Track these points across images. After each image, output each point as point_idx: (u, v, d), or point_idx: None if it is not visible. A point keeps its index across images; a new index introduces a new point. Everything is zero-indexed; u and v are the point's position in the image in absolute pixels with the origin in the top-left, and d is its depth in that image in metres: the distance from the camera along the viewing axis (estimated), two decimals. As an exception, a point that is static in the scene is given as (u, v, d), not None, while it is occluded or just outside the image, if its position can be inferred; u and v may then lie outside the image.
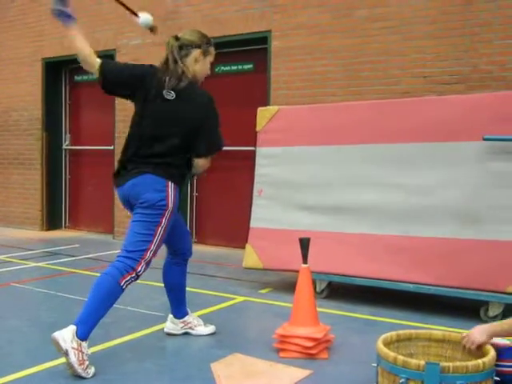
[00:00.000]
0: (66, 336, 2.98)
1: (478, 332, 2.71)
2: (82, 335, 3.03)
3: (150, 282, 5.07)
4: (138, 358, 3.43)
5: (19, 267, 6.20)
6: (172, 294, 3.81)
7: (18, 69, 9.62)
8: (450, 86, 5.81)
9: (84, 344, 3.03)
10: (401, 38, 6.12)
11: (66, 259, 6.61)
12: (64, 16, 3.28)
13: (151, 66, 3.43)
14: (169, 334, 3.84)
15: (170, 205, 3.28)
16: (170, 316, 3.86)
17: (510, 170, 4.16)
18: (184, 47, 3.43)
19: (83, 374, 3.01)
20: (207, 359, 3.36)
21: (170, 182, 3.30)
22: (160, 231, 3.26)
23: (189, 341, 3.75)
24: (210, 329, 3.89)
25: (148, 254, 3.22)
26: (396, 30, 6.15)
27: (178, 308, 3.83)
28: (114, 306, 4.29)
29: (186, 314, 3.86)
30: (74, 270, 5.98)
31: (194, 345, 3.67)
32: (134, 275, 3.19)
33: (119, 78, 3.35)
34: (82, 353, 3.01)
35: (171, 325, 3.85)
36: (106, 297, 3.14)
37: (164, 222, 3.27)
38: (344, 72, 6.46)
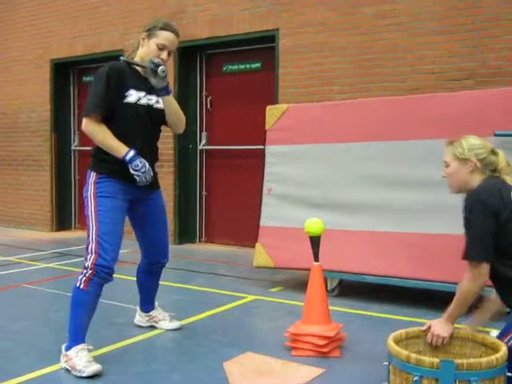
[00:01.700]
0: (61, 357, 3.24)
1: (438, 327, 2.74)
2: (67, 347, 3.20)
3: (161, 282, 5.06)
4: (149, 357, 3.44)
5: (30, 268, 6.22)
6: (142, 293, 3.94)
7: (26, 70, 9.64)
8: (459, 82, 5.78)
9: (71, 352, 3.16)
10: (409, 34, 6.09)
11: (76, 260, 6.62)
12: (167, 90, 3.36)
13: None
14: (135, 325, 4.00)
15: (89, 192, 3.28)
16: (138, 309, 4.00)
17: (522, 165, 4.13)
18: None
19: (79, 374, 3.10)
20: (219, 358, 3.36)
21: (92, 172, 3.32)
22: (92, 220, 3.24)
23: (200, 340, 3.75)
24: (173, 325, 3.96)
25: (91, 247, 3.20)
26: (404, 27, 6.12)
27: (145, 303, 3.96)
28: (125, 306, 4.32)
29: (152, 308, 3.98)
30: (84, 271, 5.97)
31: (206, 344, 3.67)
32: (85, 271, 3.17)
33: None
34: (72, 359, 3.15)
35: (139, 318, 4.02)
36: (72, 303, 3.20)
37: (91, 210, 3.25)
38: (352, 69, 6.44)
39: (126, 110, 3.29)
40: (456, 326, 2.79)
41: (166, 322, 3.96)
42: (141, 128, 3.37)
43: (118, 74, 3.28)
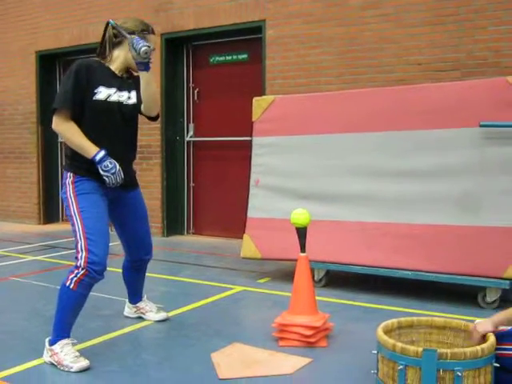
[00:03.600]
0: (44, 351, 3.23)
1: (482, 323, 2.68)
2: (52, 342, 3.20)
3: (149, 274, 5.07)
4: (138, 349, 3.45)
5: (17, 261, 6.20)
6: (128, 286, 3.97)
7: (12, 62, 9.57)
8: (445, 73, 5.81)
9: (57, 346, 3.16)
10: (395, 25, 6.11)
11: (63, 252, 6.61)
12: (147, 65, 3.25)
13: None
14: (126, 317, 4.04)
15: (68, 192, 3.23)
16: (127, 301, 4.04)
17: (507, 155, 4.17)
18: (118, 35, 3.38)
19: (66, 369, 3.09)
20: (207, 349, 3.38)
21: (69, 173, 3.27)
22: (76, 219, 3.19)
23: (188, 331, 3.76)
24: (160, 316, 3.99)
25: (80, 245, 3.16)
26: (390, 18, 6.13)
27: (132, 296, 4.00)
28: (113, 298, 4.34)
29: (140, 300, 4.02)
30: (72, 263, 5.93)
31: (194, 335, 3.68)
32: (77, 271, 3.14)
33: None
34: (57, 354, 3.14)
35: (127, 309, 4.07)
36: (59, 300, 3.17)
37: (73, 208, 3.20)
38: (339, 60, 6.45)
39: (96, 107, 3.23)
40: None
41: (152, 314, 3.98)
42: (112, 126, 3.31)
43: (86, 70, 3.24)
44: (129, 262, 3.82)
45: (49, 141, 9.37)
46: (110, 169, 3.17)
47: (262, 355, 3.30)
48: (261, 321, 3.98)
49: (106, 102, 3.26)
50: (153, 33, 3.49)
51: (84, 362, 3.10)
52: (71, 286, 3.13)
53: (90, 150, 3.18)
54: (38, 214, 9.35)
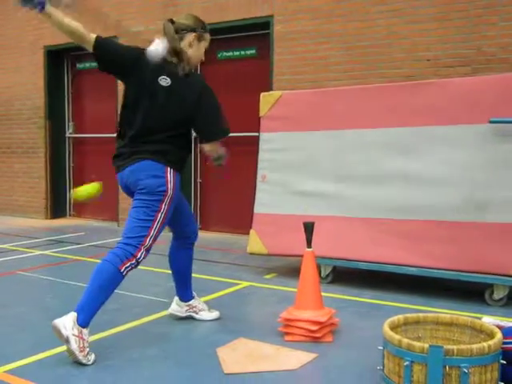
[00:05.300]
0: (67, 323, 2.98)
1: None
2: (83, 322, 3.03)
3: (155, 269, 5.09)
4: (143, 344, 3.44)
5: (25, 255, 6.23)
6: (178, 278, 3.81)
7: (20, 57, 9.60)
8: (453, 69, 5.78)
9: (85, 331, 3.03)
10: (404, 21, 6.08)
11: (71, 247, 6.63)
12: (33, 3, 3.11)
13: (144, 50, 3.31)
14: (172, 316, 3.88)
15: (170, 191, 3.25)
16: (176, 298, 3.87)
17: (516, 152, 4.15)
18: (179, 31, 3.36)
19: (84, 361, 3.02)
20: (213, 344, 3.38)
21: (169, 168, 3.27)
22: (159, 217, 3.24)
23: (194, 326, 3.76)
24: (214, 314, 3.90)
25: (148, 241, 3.21)
26: (399, 13, 6.11)
27: (184, 291, 3.84)
28: (119, 292, 4.32)
29: (192, 297, 3.87)
30: (79, 258, 6.00)
31: (200, 330, 3.69)
32: (133, 261, 3.16)
33: (113, 56, 3.29)
34: (83, 340, 3.01)
35: (176, 307, 3.88)
36: (107, 283, 3.11)
37: (163, 207, 3.25)
38: (347, 56, 6.43)
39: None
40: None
41: (206, 312, 3.88)
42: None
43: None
44: (183, 242, 3.74)
45: (56, 136, 9.41)
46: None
47: (267, 350, 3.29)
48: (267, 316, 3.98)
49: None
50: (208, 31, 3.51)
51: (93, 355, 3.09)
52: (124, 273, 3.15)
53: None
54: (45, 208, 9.39)
